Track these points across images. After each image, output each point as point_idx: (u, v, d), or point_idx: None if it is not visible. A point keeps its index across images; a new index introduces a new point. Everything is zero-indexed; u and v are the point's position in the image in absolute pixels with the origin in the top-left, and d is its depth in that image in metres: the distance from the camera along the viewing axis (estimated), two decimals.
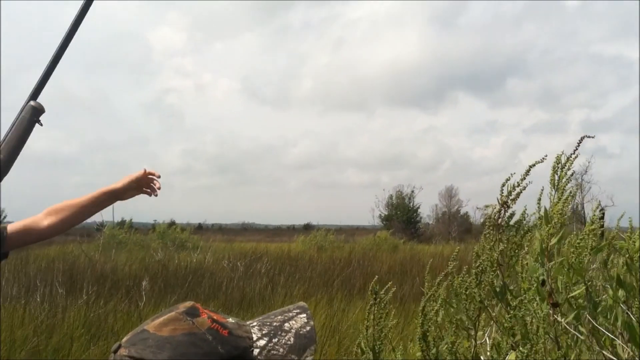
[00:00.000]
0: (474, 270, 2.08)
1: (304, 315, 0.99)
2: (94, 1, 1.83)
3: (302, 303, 1.03)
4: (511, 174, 2.03)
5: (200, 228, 56.59)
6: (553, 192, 2.01)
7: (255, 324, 0.98)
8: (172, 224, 26.89)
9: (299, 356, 0.92)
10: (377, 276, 2.41)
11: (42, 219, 2.12)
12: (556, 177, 2.00)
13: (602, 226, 2.23)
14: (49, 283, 9.10)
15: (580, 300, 1.90)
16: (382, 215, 49.28)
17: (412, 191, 49.07)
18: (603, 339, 1.90)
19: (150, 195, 2.34)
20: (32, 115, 1.85)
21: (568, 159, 2.00)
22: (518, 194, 2.04)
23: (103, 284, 9.46)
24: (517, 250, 2.03)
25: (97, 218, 19.51)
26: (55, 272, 10.27)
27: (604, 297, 1.97)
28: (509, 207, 2.10)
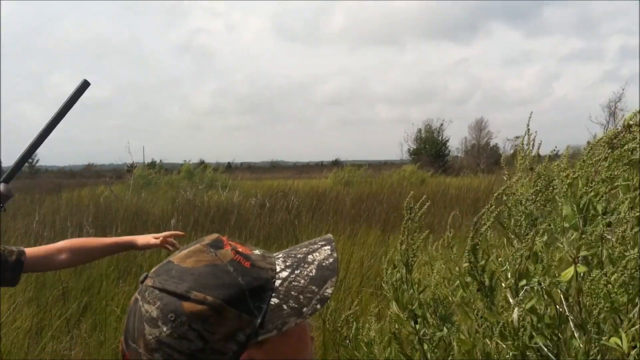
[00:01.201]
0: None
1: (329, 247, 0.98)
2: None
3: (328, 235, 1.03)
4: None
5: (229, 167, 57.09)
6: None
7: (280, 256, 0.98)
8: (201, 163, 27.07)
9: (319, 287, 0.92)
10: (428, 202, 2.42)
11: (61, 251, 2.18)
12: None
13: None
14: (79, 224, 9.29)
15: None
16: (411, 149, 49.11)
17: (442, 124, 48.72)
18: None
19: (169, 250, 2.42)
20: None
21: None
22: None
23: (132, 224, 9.63)
24: None
25: (127, 160, 19.75)
26: (85, 213, 10.47)
27: None
28: (632, 131, 1.98)
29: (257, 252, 0.96)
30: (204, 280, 0.87)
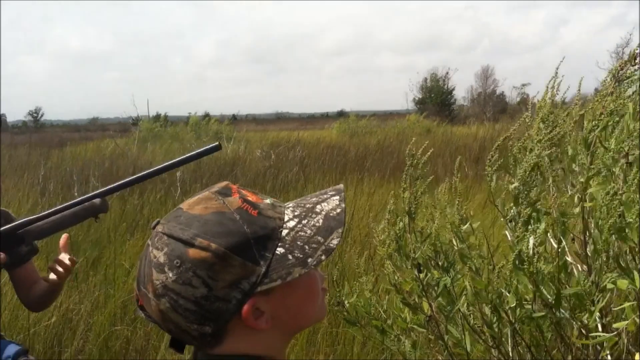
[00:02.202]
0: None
1: (337, 197, 0.97)
2: None
3: (339, 185, 1.01)
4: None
5: (234, 119, 56.91)
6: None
7: (290, 205, 0.98)
8: (206, 116, 26.98)
9: (325, 238, 0.91)
10: (432, 149, 2.39)
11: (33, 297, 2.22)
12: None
13: None
14: (85, 178, 9.32)
15: None
16: (416, 98, 48.77)
17: (447, 73, 48.25)
18: None
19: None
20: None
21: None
22: None
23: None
24: None
25: (132, 113, 19.68)
26: (92, 167, 10.50)
27: None
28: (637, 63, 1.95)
29: (267, 201, 0.96)
30: (209, 228, 0.88)
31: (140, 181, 1.88)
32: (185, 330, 0.90)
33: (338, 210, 0.95)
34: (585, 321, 1.85)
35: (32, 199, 7.92)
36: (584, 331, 1.89)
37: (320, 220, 0.93)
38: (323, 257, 0.90)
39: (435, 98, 46.61)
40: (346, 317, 2.45)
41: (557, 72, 2.11)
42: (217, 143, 1.75)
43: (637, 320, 1.72)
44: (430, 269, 2.25)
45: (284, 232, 0.92)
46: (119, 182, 1.88)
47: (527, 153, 2.02)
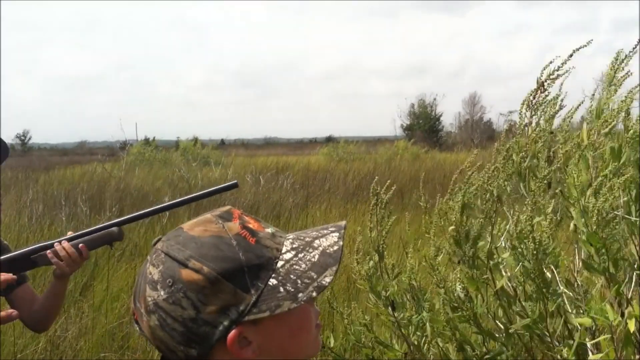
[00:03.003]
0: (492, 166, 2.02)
1: (337, 234, 0.96)
2: None
3: (342, 222, 1.00)
4: (554, 57, 1.95)
5: (222, 144, 56.86)
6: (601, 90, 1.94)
7: (291, 236, 0.97)
8: (195, 140, 26.96)
9: (318, 274, 0.90)
10: (394, 186, 2.40)
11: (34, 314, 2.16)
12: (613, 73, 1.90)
13: None
14: (73, 202, 9.27)
15: None
16: (404, 125, 49.01)
17: (434, 99, 48.60)
18: None
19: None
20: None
21: (627, 56, 1.90)
22: (557, 77, 1.96)
23: (126, 201, 9.61)
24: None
25: (120, 137, 19.64)
26: (79, 191, 10.44)
27: None
28: (545, 89, 2.02)
29: (268, 230, 0.96)
30: (205, 251, 0.88)
31: (157, 213, 1.95)
32: (173, 351, 0.90)
33: (335, 247, 0.94)
34: (565, 354, 1.85)
35: (20, 222, 7.85)
36: None
37: (317, 256, 0.92)
38: (314, 294, 0.89)
39: (424, 124, 46.89)
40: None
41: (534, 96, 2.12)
42: (235, 181, 1.86)
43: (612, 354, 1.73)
44: (405, 305, 2.25)
45: (280, 263, 0.91)
46: (136, 213, 1.93)
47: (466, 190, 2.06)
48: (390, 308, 2.23)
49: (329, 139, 55.68)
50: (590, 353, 1.88)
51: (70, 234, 1.98)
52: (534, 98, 2.00)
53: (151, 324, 0.89)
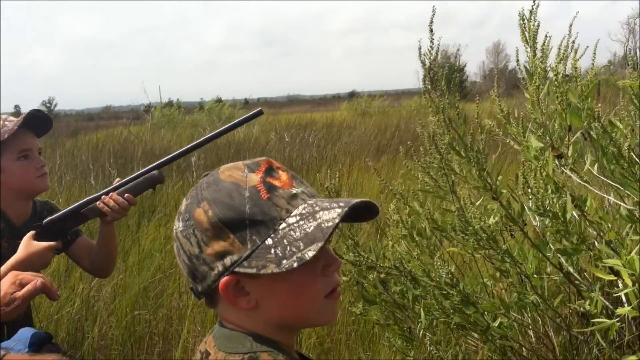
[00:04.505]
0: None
1: (339, 210, 0.91)
2: None
3: (355, 200, 0.94)
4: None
5: (246, 103, 56.79)
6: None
7: (311, 202, 0.94)
8: (218, 101, 26.96)
9: (305, 246, 0.88)
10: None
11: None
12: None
13: None
14: (100, 165, 9.35)
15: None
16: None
17: (458, 50, 47.82)
18: None
19: None
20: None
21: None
22: None
23: (153, 162, 9.63)
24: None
25: (144, 100, 19.71)
26: (106, 154, 10.53)
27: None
28: None
29: (296, 190, 0.94)
30: (218, 195, 0.92)
31: (191, 151, 2.05)
32: (190, 280, 0.97)
33: (329, 224, 0.90)
34: (587, 307, 1.81)
35: (50, 189, 7.94)
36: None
37: (312, 227, 0.90)
38: (295, 265, 0.88)
39: (447, 75, 46.26)
40: (365, 296, 2.41)
41: (571, 41, 2.04)
42: (259, 109, 1.94)
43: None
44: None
45: (282, 225, 0.91)
46: (174, 153, 2.04)
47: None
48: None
49: (352, 94, 55.27)
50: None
51: (117, 181, 2.07)
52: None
53: (174, 250, 0.98)
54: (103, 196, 2.04)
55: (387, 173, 8.07)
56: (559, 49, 1.98)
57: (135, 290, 4.07)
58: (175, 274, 4.40)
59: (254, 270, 0.89)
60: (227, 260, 0.90)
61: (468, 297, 2.00)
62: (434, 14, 2.07)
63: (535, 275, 1.89)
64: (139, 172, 2.05)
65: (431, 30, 2.08)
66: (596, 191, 1.92)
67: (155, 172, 2.03)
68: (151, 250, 4.90)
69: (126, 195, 2.03)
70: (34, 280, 1.67)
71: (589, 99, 1.80)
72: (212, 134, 1.96)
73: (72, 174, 8.86)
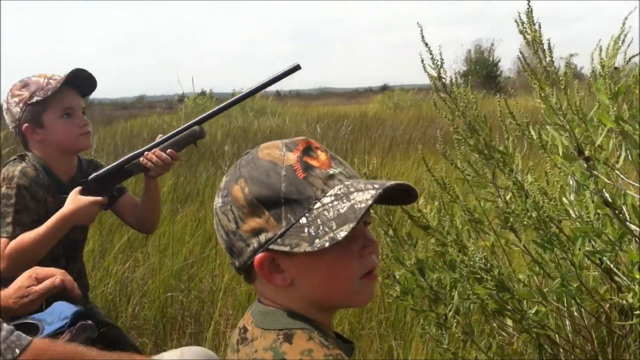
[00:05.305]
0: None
1: (372, 192, 0.91)
2: None
3: (390, 182, 0.94)
4: None
5: (278, 95, 56.93)
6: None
7: (348, 183, 0.95)
8: None
9: (338, 226, 0.89)
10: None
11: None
12: None
13: None
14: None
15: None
16: (461, 71, 47.97)
17: (492, 44, 47.24)
18: None
19: None
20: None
21: None
22: None
23: (186, 151, 9.71)
24: None
25: (177, 90, 19.89)
26: (140, 141, 10.65)
27: None
28: None
29: (334, 170, 0.95)
30: (255, 173, 0.93)
31: (228, 107, 2.14)
32: (228, 255, 0.99)
33: (362, 205, 0.90)
34: (631, 300, 1.77)
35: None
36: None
37: (345, 208, 0.91)
38: (327, 245, 0.89)
39: (481, 70, 45.72)
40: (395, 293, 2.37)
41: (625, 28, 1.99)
42: (297, 63, 1.98)
43: None
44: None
45: (317, 204, 0.92)
46: (215, 109, 2.12)
47: None
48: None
49: (384, 88, 55.01)
50: None
51: (159, 137, 2.12)
52: None
53: (214, 225, 1.01)
54: (146, 152, 2.07)
55: (419, 165, 8.02)
56: (615, 41, 1.94)
57: (168, 272, 4.11)
58: (208, 258, 4.44)
59: (287, 248, 0.90)
60: (262, 237, 0.92)
61: (503, 282, 1.97)
62: (422, 36, 2.06)
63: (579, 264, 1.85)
64: (181, 127, 2.10)
65: (426, 44, 2.18)
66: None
67: (196, 127, 2.08)
68: (182, 235, 4.94)
69: (168, 150, 2.07)
70: (54, 277, 1.64)
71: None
72: (250, 89, 2.02)
73: (107, 160, 8.97)
